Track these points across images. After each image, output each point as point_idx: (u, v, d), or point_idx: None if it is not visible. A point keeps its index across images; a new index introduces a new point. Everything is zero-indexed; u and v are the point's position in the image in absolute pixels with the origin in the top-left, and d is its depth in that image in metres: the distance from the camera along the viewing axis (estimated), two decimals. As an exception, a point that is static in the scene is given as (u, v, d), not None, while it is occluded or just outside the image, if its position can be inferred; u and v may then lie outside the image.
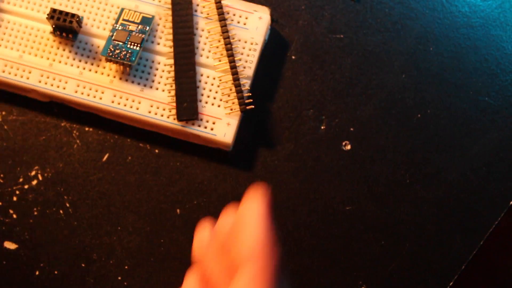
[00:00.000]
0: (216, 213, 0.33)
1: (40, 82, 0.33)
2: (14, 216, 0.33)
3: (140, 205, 0.33)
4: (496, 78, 0.35)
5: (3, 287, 0.32)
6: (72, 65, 0.34)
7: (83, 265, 0.32)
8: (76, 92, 0.33)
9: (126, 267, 0.32)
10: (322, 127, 0.34)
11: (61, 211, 0.33)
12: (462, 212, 0.34)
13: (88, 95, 0.33)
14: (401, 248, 0.33)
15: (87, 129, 0.34)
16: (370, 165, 0.34)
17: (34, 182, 0.33)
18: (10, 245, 0.33)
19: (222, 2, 0.34)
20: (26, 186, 0.33)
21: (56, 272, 0.32)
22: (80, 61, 0.34)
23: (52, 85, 0.33)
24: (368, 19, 0.36)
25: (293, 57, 0.35)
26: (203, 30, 0.34)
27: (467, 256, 0.33)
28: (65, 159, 0.34)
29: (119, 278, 0.32)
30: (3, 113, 0.34)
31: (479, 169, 0.34)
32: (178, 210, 0.33)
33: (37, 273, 0.32)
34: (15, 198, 0.33)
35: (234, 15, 0.34)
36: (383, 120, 0.34)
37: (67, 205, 0.33)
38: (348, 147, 0.34)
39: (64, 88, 0.33)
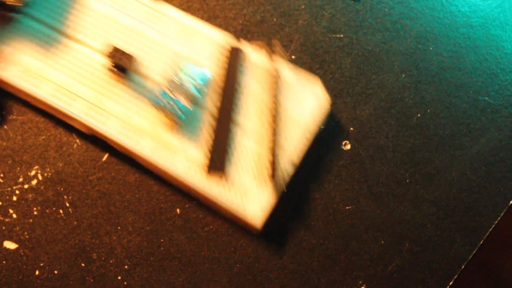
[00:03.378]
0: (215, 213, 0.33)
1: (85, 114, 0.32)
2: (14, 216, 0.33)
3: (140, 205, 0.33)
4: (496, 78, 0.35)
5: (3, 287, 0.32)
6: (119, 104, 0.32)
7: (83, 264, 0.32)
8: (117, 132, 0.32)
9: (126, 267, 0.32)
10: (322, 127, 0.34)
11: (61, 211, 0.33)
12: (462, 212, 0.34)
13: (129, 138, 0.32)
14: (401, 248, 0.33)
15: (87, 129, 0.34)
16: (370, 165, 0.34)
17: (34, 182, 0.33)
18: (10, 245, 0.33)
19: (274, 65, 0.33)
20: (26, 186, 0.33)
21: (56, 272, 0.32)
22: (128, 101, 0.33)
23: (95, 119, 0.32)
24: (368, 19, 0.36)
25: (293, 56, 0.35)
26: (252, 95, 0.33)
27: (467, 256, 0.33)
28: (65, 159, 0.34)
29: (119, 277, 0.32)
30: (3, 113, 0.34)
31: (479, 169, 0.34)
32: (178, 210, 0.33)
33: (37, 272, 0.32)
34: (15, 198, 0.33)
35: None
36: (383, 120, 0.34)
37: (67, 204, 0.33)
38: (348, 147, 0.34)
39: (106, 125, 0.32)
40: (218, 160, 0.31)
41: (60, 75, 0.33)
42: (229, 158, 0.31)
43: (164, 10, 0.34)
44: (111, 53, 0.32)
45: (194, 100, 0.32)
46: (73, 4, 0.33)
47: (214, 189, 0.31)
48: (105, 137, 0.32)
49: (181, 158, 0.32)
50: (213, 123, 0.32)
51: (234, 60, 0.33)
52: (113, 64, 0.32)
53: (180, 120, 0.31)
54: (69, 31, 0.33)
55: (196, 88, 0.31)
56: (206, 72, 0.32)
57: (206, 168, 0.31)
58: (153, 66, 0.33)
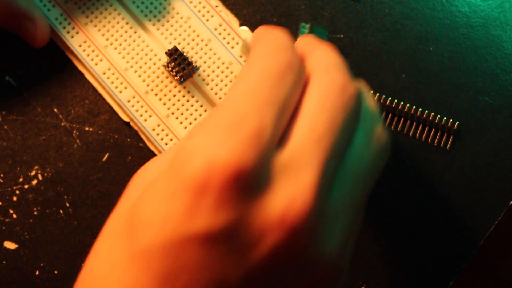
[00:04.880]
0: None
1: (128, 102, 0.33)
2: (14, 216, 0.33)
3: (140, 205, 0.33)
4: (496, 78, 0.35)
5: (3, 287, 0.32)
6: (164, 104, 0.33)
7: (83, 265, 0.32)
8: (152, 130, 0.33)
9: (126, 267, 0.32)
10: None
11: (61, 211, 0.33)
12: (462, 212, 0.34)
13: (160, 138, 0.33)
14: (401, 248, 0.33)
15: (87, 129, 0.34)
16: (370, 165, 0.34)
17: (34, 182, 0.33)
18: (10, 245, 0.33)
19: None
20: (26, 186, 0.33)
21: (56, 272, 0.32)
22: (173, 104, 0.33)
23: (137, 111, 0.33)
24: (368, 19, 0.36)
25: (293, 57, 0.35)
26: None
27: (467, 256, 0.33)
28: (65, 159, 0.34)
29: (119, 278, 0.32)
30: (3, 113, 0.34)
31: (479, 169, 0.34)
32: (178, 210, 0.33)
33: (37, 272, 0.32)
34: (15, 198, 0.33)
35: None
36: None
37: (67, 205, 0.33)
38: (348, 147, 0.34)
39: (146, 121, 0.33)
40: None
41: (119, 58, 0.33)
42: None
43: (236, 29, 0.34)
44: (173, 54, 0.32)
45: None
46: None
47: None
48: (141, 130, 0.33)
49: None
50: None
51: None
52: (172, 66, 0.33)
53: None
54: (143, 20, 0.34)
55: None
56: None
57: None
58: (209, 80, 0.33)
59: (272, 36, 0.24)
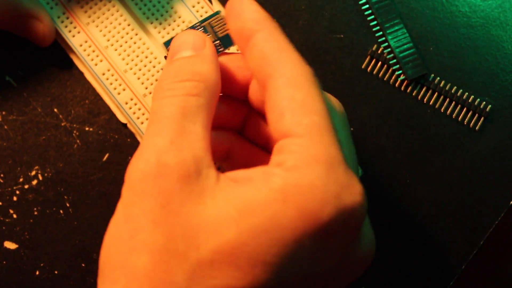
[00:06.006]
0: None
1: (125, 104, 0.33)
2: (14, 216, 0.33)
3: (140, 205, 0.33)
4: (497, 78, 0.35)
5: (3, 287, 0.32)
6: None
7: (83, 265, 0.32)
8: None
9: (126, 267, 0.32)
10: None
11: (61, 211, 0.33)
12: (462, 212, 0.34)
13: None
14: (401, 248, 0.33)
15: (87, 129, 0.34)
16: (370, 165, 0.34)
17: (34, 182, 0.33)
18: (10, 245, 0.33)
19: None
20: (26, 186, 0.33)
21: (56, 272, 0.32)
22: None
23: (133, 113, 0.33)
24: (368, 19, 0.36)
25: (293, 57, 0.35)
26: None
27: (467, 256, 0.33)
28: (65, 159, 0.34)
29: (119, 278, 0.32)
30: (3, 113, 0.34)
31: (479, 169, 0.34)
32: (178, 210, 0.33)
33: (37, 273, 0.32)
34: (15, 198, 0.33)
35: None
36: (383, 120, 0.34)
37: (67, 205, 0.33)
38: (348, 147, 0.34)
39: (143, 123, 0.33)
40: None
41: (119, 59, 0.33)
42: None
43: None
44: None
45: None
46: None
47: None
48: (137, 133, 0.33)
49: None
50: None
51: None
52: None
53: None
54: (145, 22, 0.34)
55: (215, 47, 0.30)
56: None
57: None
58: None
59: None
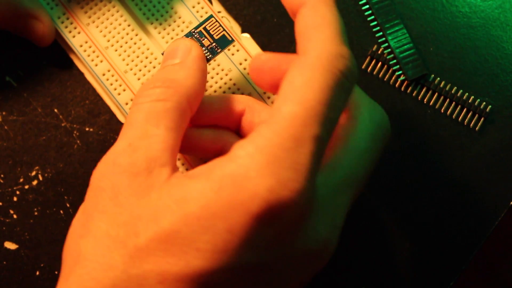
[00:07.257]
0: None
1: (126, 104, 0.33)
2: (15, 216, 0.33)
3: (141, 205, 0.33)
4: (497, 78, 0.35)
5: (3, 287, 0.32)
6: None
7: (83, 265, 0.32)
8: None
9: (126, 267, 0.32)
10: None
11: (61, 211, 0.33)
12: (462, 212, 0.34)
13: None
14: (401, 248, 0.33)
15: (87, 129, 0.34)
16: (370, 165, 0.34)
17: (35, 182, 0.33)
18: (10, 245, 0.33)
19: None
20: (26, 186, 0.33)
21: (56, 272, 0.32)
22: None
23: None
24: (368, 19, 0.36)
25: (294, 57, 0.35)
26: None
27: (467, 256, 0.33)
28: (65, 159, 0.34)
29: (120, 278, 0.32)
30: (3, 113, 0.34)
31: (479, 169, 0.34)
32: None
33: (37, 273, 0.32)
34: (15, 198, 0.33)
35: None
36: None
37: (68, 205, 0.33)
38: (349, 147, 0.34)
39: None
40: None
41: (119, 60, 0.33)
42: None
43: (238, 35, 0.34)
44: None
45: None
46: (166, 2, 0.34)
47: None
48: None
49: None
50: None
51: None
52: None
53: None
54: (145, 23, 0.34)
55: (211, 49, 0.31)
56: (229, 36, 0.32)
57: None
58: (207, 86, 0.33)
59: None
